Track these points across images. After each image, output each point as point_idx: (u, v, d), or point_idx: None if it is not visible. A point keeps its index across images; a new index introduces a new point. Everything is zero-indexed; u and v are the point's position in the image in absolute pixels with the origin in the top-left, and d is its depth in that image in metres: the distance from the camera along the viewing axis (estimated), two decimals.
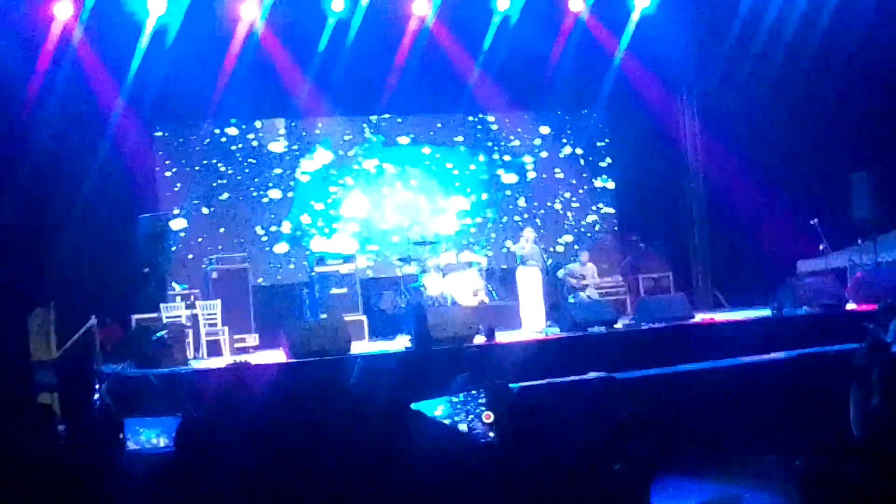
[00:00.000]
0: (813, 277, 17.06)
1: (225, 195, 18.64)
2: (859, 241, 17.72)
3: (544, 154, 20.61)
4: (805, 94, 19.23)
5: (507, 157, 20.38)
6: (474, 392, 10.32)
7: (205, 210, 18.45)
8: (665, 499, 5.82)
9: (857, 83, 18.82)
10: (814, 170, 18.98)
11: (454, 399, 10.41)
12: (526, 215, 20.11)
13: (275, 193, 18.93)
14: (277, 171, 19.02)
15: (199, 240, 18.29)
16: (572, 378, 12.52)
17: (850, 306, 16.05)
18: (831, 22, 18.72)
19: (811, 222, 17.30)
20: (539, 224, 19.92)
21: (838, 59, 18.88)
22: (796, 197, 18.54)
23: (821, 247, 17.47)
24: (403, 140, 19.77)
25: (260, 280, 18.18)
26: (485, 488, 6.03)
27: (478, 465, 6.43)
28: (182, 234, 18.13)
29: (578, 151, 20.84)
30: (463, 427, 9.90)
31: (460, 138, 20.12)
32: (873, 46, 18.44)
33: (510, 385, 11.08)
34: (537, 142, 20.59)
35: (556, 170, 20.65)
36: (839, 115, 19.02)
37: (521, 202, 20.34)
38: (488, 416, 9.75)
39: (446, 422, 9.81)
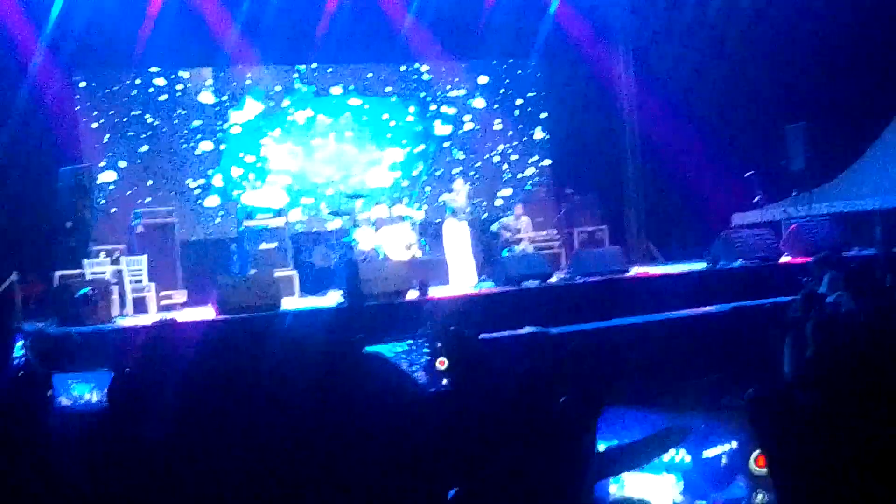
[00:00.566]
0: (748, 230, 17.07)
1: (151, 147, 18.18)
2: (794, 194, 17.74)
3: (479, 105, 20.37)
4: (741, 46, 19.20)
5: (440, 108, 20.11)
6: (424, 339, 10.07)
7: (123, 164, 17.93)
8: (612, 431, 5.73)
9: (793, 35, 18.78)
10: (750, 122, 19.01)
11: (403, 346, 10.17)
12: (461, 168, 19.84)
13: (205, 145, 18.50)
14: (207, 122, 18.58)
15: (128, 193, 17.83)
16: (506, 333, 12.43)
17: (785, 259, 16.06)
18: None
19: (746, 175, 17.28)
20: (475, 176, 19.73)
21: (775, 11, 18.82)
22: (732, 149, 18.53)
23: (756, 199, 17.46)
24: (335, 90, 19.40)
25: (192, 237, 17.83)
26: (438, 434, 5.88)
27: (430, 411, 6.30)
28: (111, 187, 17.70)
29: (515, 102, 20.63)
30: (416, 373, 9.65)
31: (393, 88, 19.79)
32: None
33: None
34: (471, 92, 20.31)
35: (492, 121, 20.42)
36: (775, 67, 19.02)
37: (456, 154, 20.09)
38: (443, 363, 9.48)
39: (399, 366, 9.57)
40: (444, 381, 8.95)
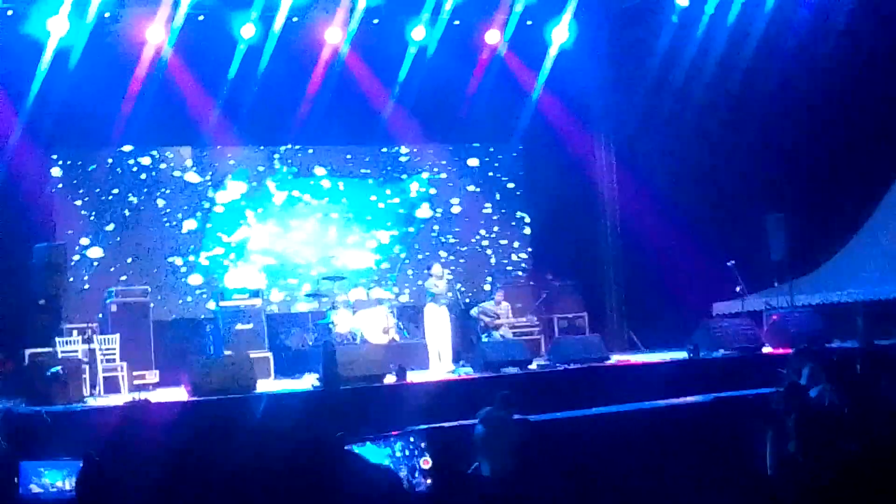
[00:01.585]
0: (729, 320, 17.03)
1: (131, 225, 18.05)
2: (775, 284, 17.70)
3: (457, 189, 20.29)
4: (723, 136, 19.26)
5: (420, 191, 20.02)
6: (413, 437, 9.87)
7: (97, 247, 17.77)
8: None
9: (774, 126, 18.87)
10: (730, 211, 19.00)
11: (395, 445, 9.95)
12: (442, 252, 19.75)
13: (188, 224, 18.39)
14: (189, 201, 18.47)
15: (111, 269, 17.70)
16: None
17: (766, 349, 15.98)
18: (750, 63, 18.79)
19: (728, 264, 17.24)
20: (453, 259, 19.69)
21: (756, 101, 18.93)
22: (713, 238, 18.46)
23: (737, 289, 17.41)
24: (316, 172, 19.33)
25: (172, 316, 17.69)
26: None
27: None
28: (95, 264, 17.60)
29: (494, 188, 20.56)
30: (401, 473, 9.42)
31: (373, 171, 19.73)
32: (791, 89, 18.52)
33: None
34: (452, 177, 20.26)
35: (473, 206, 20.35)
36: (756, 157, 19.09)
37: (436, 238, 19.98)
38: (427, 462, 9.29)
39: (384, 465, 9.33)
40: (428, 482, 8.73)
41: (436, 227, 20.09)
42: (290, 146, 19.15)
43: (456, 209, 20.26)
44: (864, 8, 17.53)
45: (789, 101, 18.60)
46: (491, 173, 20.59)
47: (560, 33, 18.90)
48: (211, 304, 17.60)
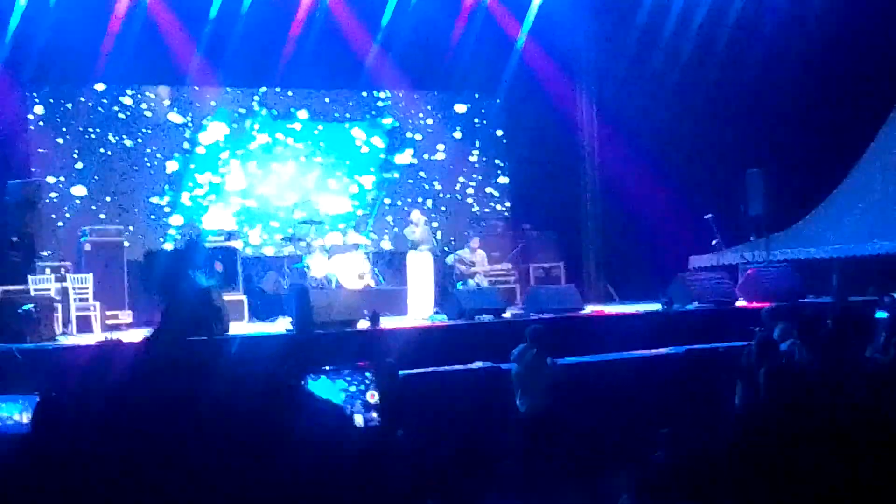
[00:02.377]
0: (705, 273, 17.03)
1: (112, 165, 17.93)
2: (752, 239, 17.73)
3: (441, 137, 20.20)
4: (706, 91, 19.24)
5: (402, 138, 19.92)
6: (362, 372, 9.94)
7: (77, 188, 17.66)
8: None
9: (756, 83, 18.88)
10: (710, 166, 19.02)
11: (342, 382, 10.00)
12: (420, 199, 19.72)
13: (169, 165, 18.26)
14: (168, 142, 18.32)
15: (92, 208, 17.62)
16: (457, 367, 12.27)
17: (741, 303, 15.99)
18: (737, 20, 18.79)
19: (705, 217, 17.26)
20: (433, 207, 19.63)
21: (740, 60, 18.93)
22: (692, 192, 18.50)
23: (713, 242, 17.43)
24: (297, 115, 19.20)
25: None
26: (366, 471, 5.72)
27: (359, 447, 6.13)
28: (78, 202, 17.51)
29: (476, 137, 20.48)
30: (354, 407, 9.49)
31: (355, 116, 19.60)
32: (775, 46, 18.50)
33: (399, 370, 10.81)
34: (434, 123, 20.16)
35: (452, 154, 20.26)
36: (738, 112, 19.11)
37: (415, 184, 19.91)
38: (373, 396, 9.33)
39: (334, 400, 9.40)
40: (374, 416, 8.80)
41: (421, 174, 20.03)
42: (270, 88, 18.99)
43: (438, 157, 20.18)
44: None
45: (773, 57, 18.59)
46: (475, 121, 20.49)
47: None
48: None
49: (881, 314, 10.33)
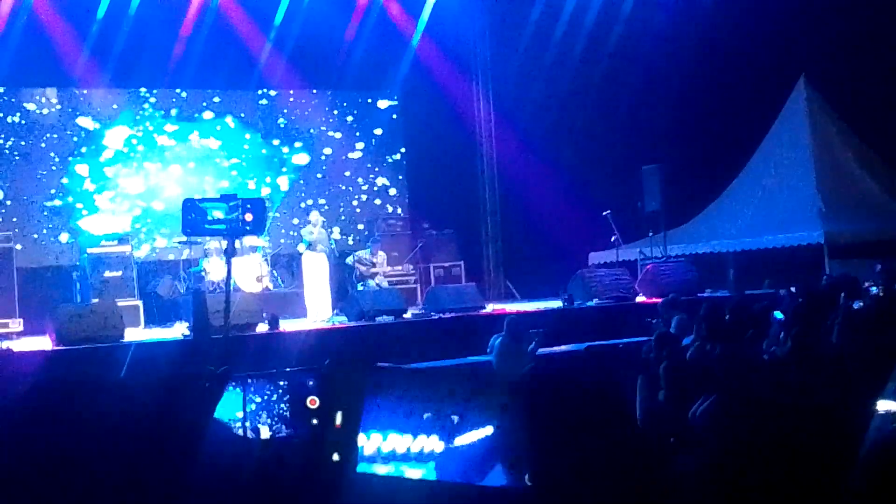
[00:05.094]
0: (604, 269, 17.14)
1: (8, 169, 17.56)
2: (650, 234, 17.88)
3: (337, 136, 20.06)
4: (601, 88, 19.39)
5: (298, 138, 19.72)
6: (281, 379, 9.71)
7: None
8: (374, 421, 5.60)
9: (650, 80, 19.06)
10: (608, 162, 19.15)
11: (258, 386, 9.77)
12: (321, 200, 19.52)
13: (63, 168, 17.88)
14: (58, 144, 17.93)
15: None
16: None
17: (640, 299, 16.11)
18: (630, 16, 18.96)
19: (604, 214, 17.35)
20: (330, 207, 19.44)
21: (634, 57, 19.09)
22: (590, 189, 18.61)
23: (612, 239, 17.54)
24: (193, 116, 18.90)
25: (40, 263, 17.18)
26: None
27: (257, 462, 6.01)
28: None
29: (373, 136, 20.34)
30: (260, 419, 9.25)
31: (249, 116, 19.35)
32: (669, 42, 18.71)
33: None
34: (330, 123, 19.99)
35: (351, 154, 20.11)
36: (634, 109, 19.26)
37: (313, 185, 19.72)
38: (313, 402, 9.09)
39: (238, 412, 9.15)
40: (315, 422, 8.57)
41: (318, 175, 19.84)
42: (165, 90, 18.66)
43: (332, 157, 20.00)
44: None
45: (667, 54, 18.79)
46: (369, 121, 20.35)
47: None
48: (77, 252, 17.11)
49: (778, 315, 10.44)
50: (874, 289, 11.78)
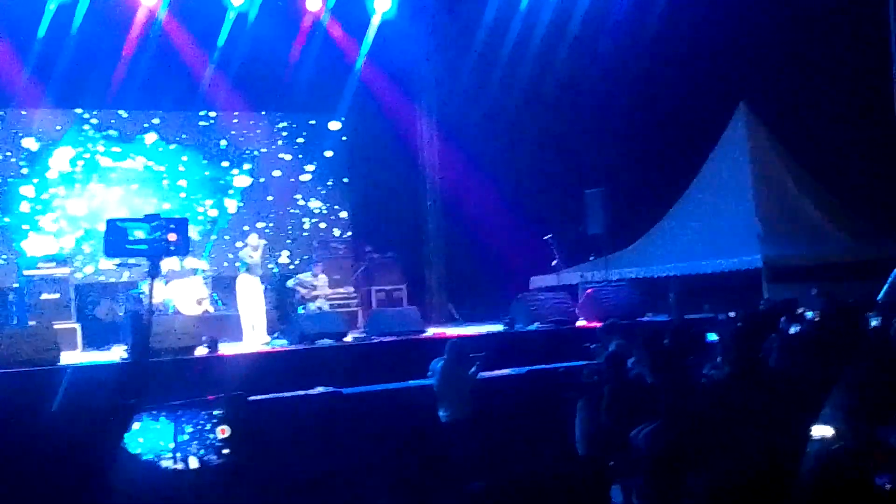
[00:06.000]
0: (546, 293, 17.12)
1: None
2: (592, 258, 17.92)
3: (287, 158, 19.99)
4: (544, 112, 19.47)
5: (245, 160, 19.63)
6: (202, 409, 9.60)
7: None
8: None
9: (593, 105, 19.17)
10: (550, 186, 19.22)
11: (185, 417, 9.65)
12: (269, 223, 19.40)
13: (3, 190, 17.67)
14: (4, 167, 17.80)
15: None
16: (298, 393, 12.04)
17: (581, 323, 16.12)
18: (574, 40, 19.06)
19: (545, 238, 17.38)
20: (272, 229, 19.33)
21: (577, 82, 19.21)
22: (533, 212, 18.68)
23: (553, 262, 17.56)
24: (135, 137, 18.79)
25: None
26: None
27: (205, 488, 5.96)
28: None
29: (316, 159, 20.28)
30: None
31: (191, 137, 19.24)
32: (613, 67, 18.85)
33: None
34: (274, 146, 19.92)
35: (293, 176, 20.05)
36: (576, 134, 19.36)
37: (254, 207, 19.59)
38: (224, 431, 9.00)
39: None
40: (226, 451, 8.48)
41: (260, 197, 19.75)
42: (105, 110, 18.50)
43: (276, 179, 19.91)
44: None
45: (611, 79, 18.92)
46: (313, 143, 20.28)
47: (382, 3, 18.81)
48: (12, 273, 16.87)
49: (712, 336, 10.49)
50: (810, 313, 11.85)
